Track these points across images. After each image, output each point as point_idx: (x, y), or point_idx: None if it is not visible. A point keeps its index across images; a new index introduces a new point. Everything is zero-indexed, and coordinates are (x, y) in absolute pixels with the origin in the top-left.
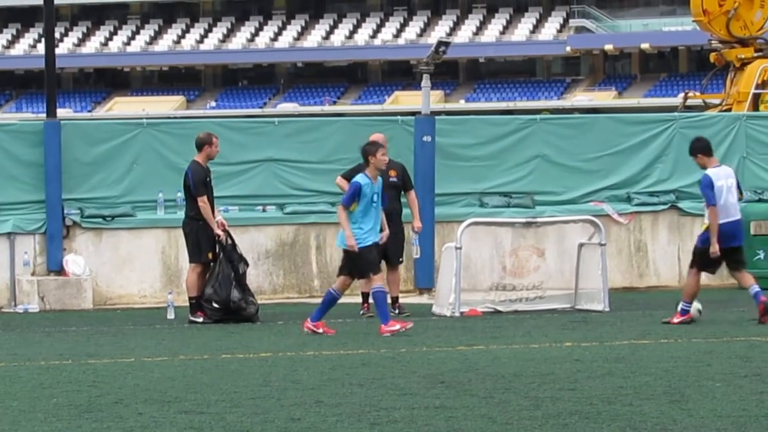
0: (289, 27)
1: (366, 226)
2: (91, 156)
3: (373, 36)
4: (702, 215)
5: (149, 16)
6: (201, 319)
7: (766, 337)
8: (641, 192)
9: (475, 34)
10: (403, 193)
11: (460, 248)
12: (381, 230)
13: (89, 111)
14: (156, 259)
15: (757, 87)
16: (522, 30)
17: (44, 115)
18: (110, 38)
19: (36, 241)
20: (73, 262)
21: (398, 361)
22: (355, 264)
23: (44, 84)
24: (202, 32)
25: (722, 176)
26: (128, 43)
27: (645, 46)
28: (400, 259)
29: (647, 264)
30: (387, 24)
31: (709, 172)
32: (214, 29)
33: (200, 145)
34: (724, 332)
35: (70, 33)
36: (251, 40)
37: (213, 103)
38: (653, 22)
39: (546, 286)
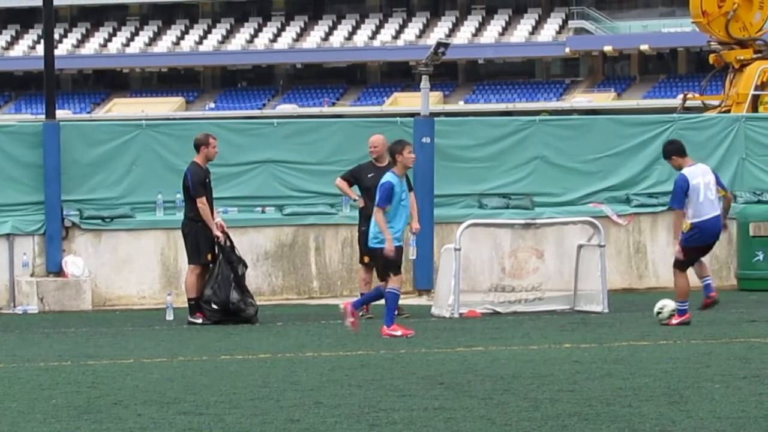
0: (288, 28)
1: (397, 225)
2: (90, 157)
3: (372, 37)
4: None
5: (148, 17)
6: (200, 321)
7: (764, 338)
8: (640, 193)
9: (474, 35)
10: None
11: (459, 249)
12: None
13: (88, 112)
14: (155, 261)
15: (756, 88)
16: (521, 31)
17: (43, 116)
18: (109, 39)
19: (35, 243)
20: (72, 264)
21: (397, 363)
22: (380, 262)
23: (43, 85)
24: (201, 33)
25: (698, 174)
26: (127, 45)
27: (644, 47)
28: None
29: (646, 265)
30: (386, 25)
31: (685, 171)
32: (213, 30)
33: (198, 146)
34: (723, 333)
35: (69, 34)
36: (250, 41)
37: (212, 105)
38: (652, 23)
39: (545, 288)
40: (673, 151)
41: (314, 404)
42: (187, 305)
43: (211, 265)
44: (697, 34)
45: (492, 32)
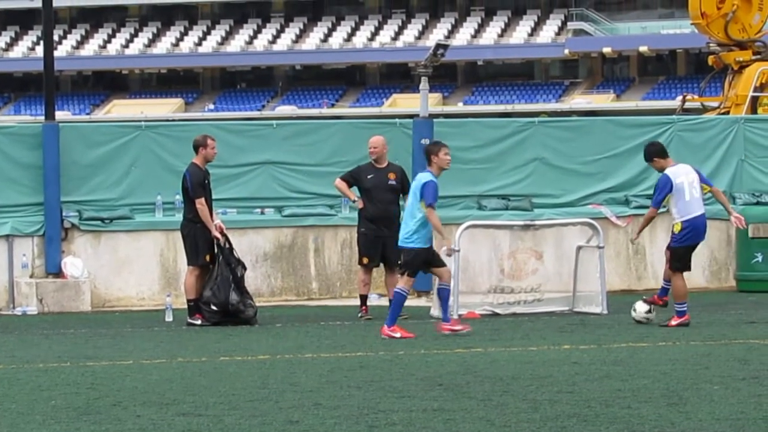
0: (287, 30)
1: (429, 227)
2: (90, 158)
3: (372, 39)
4: (673, 217)
5: (147, 18)
6: (199, 322)
7: (763, 340)
8: (639, 195)
9: (474, 36)
10: (401, 196)
11: (458, 251)
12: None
13: (88, 113)
14: (154, 262)
15: (756, 90)
16: (520, 33)
17: (43, 117)
18: (109, 41)
19: (34, 244)
20: (71, 265)
21: (396, 364)
22: (404, 258)
23: (43, 86)
24: (201, 35)
25: (681, 173)
26: (126, 46)
27: (643, 48)
28: (399, 262)
29: (645, 267)
30: (385, 27)
31: (667, 171)
32: (213, 32)
33: (197, 148)
34: (722, 335)
35: (68, 35)
36: (249, 42)
37: (211, 106)
38: (651, 24)
39: (544, 289)
40: (655, 152)
41: (313, 405)
42: (186, 306)
43: (210, 266)
44: (696, 36)
45: (491, 34)
